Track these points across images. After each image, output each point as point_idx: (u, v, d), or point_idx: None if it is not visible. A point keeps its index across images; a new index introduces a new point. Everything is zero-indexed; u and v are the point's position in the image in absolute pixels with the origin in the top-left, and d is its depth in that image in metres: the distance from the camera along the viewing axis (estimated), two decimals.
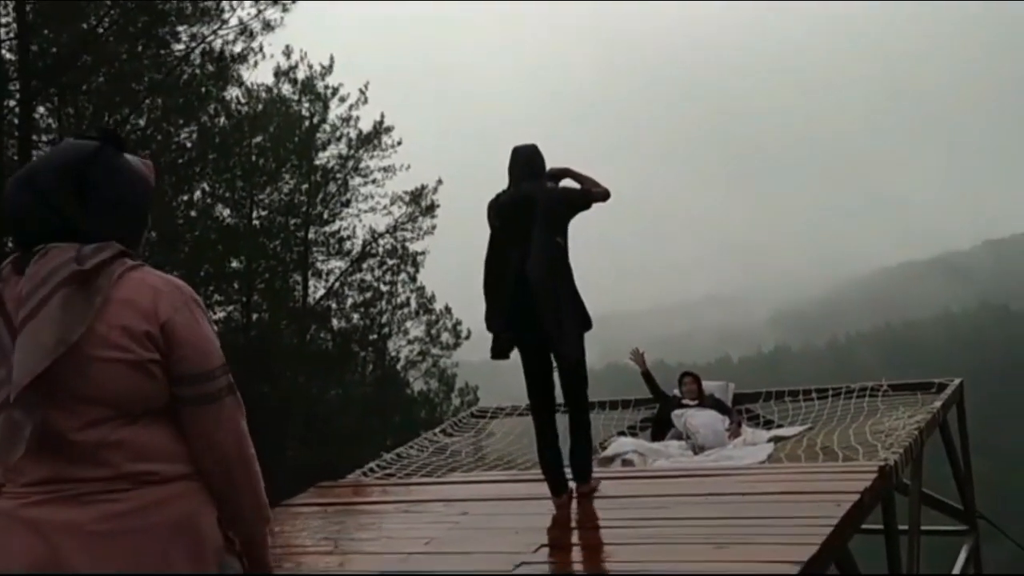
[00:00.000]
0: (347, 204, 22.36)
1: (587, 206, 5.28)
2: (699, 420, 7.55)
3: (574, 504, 5.24)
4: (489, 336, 5.29)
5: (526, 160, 5.33)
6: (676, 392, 8.23)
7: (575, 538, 4.85)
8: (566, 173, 5.36)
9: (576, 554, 4.72)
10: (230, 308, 20.65)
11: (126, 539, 1.95)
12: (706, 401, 7.99)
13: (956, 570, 7.78)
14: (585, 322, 5.23)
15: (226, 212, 20.96)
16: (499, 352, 5.27)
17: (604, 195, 5.30)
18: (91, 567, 1.92)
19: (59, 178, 2.07)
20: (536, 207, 5.09)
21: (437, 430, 8.52)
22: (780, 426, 7.91)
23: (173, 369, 2.04)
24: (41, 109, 16.41)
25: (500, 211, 5.28)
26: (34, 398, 1.93)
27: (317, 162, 22.19)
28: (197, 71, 18.29)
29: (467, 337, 21.86)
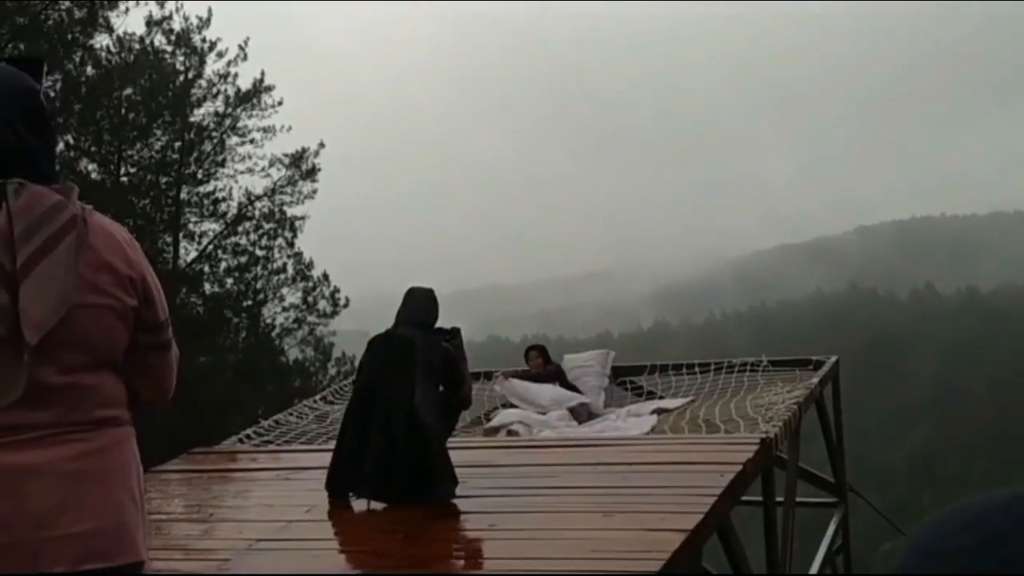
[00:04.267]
0: (223, 164, 21.52)
1: (450, 389, 5.02)
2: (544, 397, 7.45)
3: (462, 472, 5.13)
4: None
5: (414, 304, 5.16)
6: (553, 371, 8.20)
7: (462, 506, 4.74)
8: (455, 344, 5.09)
9: (464, 522, 4.63)
10: None
11: (87, 478, 1.91)
12: (550, 371, 7.99)
13: (826, 540, 8.05)
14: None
15: (92, 167, 19.92)
16: (338, 493, 4.97)
17: (468, 400, 5.22)
18: (59, 509, 1.87)
19: (19, 107, 1.95)
20: (415, 353, 4.89)
21: (317, 397, 8.29)
22: (662, 398, 7.99)
23: (141, 317, 2.03)
24: None
25: (372, 348, 5.11)
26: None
27: (192, 119, 21.26)
28: (64, 16, 17.26)
29: (345, 305, 21.43)
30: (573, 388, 7.96)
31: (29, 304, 1.84)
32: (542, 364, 8.14)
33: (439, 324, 5.20)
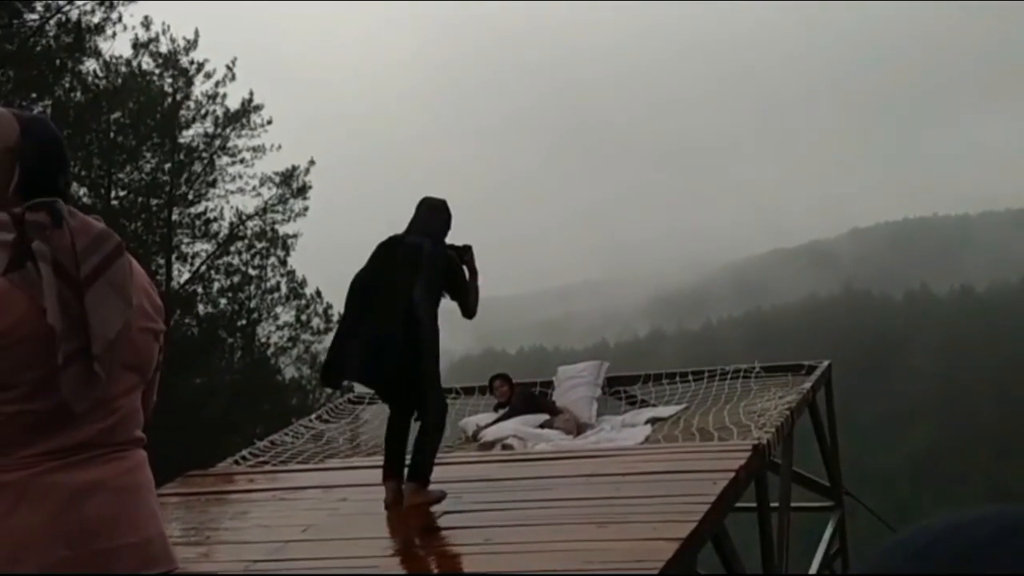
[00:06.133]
0: (213, 184, 21.58)
1: (455, 298, 5.02)
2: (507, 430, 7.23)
3: (457, 487, 5.16)
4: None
5: (425, 214, 5.13)
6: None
7: (458, 521, 4.77)
8: (465, 261, 5.09)
9: (460, 536, 4.65)
10: None
11: (135, 492, 2.02)
12: (515, 403, 7.87)
13: (823, 544, 8.08)
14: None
15: (82, 191, 19.92)
16: (331, 380, 5.02)
17: (473, 311, 5.11)
18: (116, 522, 1.96)
19: (66, 155, 2.10)
20: (421, 257, 4.88)
21: (312, 416, 8.30)
22: (655, 407, 8.02)
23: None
24: None
25: (379, 249, 5.09)
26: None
27: (181, 140, 21.32)
28: (52, 42, 17.31)
29: (339, 321, 21.45)
30: (546, 405, 7.86)
31: (93, 316, 1.93)
32: (507, 392, 8.07)
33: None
